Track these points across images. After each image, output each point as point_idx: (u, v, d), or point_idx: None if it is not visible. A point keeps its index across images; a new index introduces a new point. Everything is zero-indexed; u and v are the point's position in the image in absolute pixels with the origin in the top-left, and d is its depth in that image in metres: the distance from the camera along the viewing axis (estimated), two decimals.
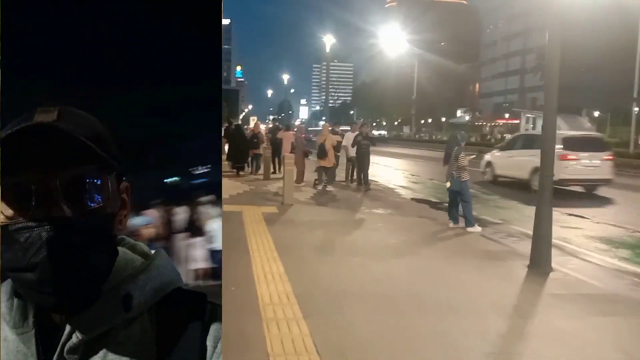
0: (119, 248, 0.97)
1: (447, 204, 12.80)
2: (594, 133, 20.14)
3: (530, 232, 9.10)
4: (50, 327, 0.89)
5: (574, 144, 13.37)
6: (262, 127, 23.99)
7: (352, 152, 13.66)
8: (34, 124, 0.84)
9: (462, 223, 8.83)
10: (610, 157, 13.64)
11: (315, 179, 13.51)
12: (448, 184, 8.89)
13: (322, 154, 12.90)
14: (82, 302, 0.88)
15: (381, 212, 10.33)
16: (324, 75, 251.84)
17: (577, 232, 9.12)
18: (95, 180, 0.88)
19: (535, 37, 79.11)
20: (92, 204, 0.88)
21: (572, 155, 13.08)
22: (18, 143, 0.83)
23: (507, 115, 77.95)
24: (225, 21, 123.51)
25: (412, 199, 12.84)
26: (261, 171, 16.57)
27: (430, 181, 18.54)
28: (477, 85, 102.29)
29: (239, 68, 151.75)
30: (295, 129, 18.39)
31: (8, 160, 0.83)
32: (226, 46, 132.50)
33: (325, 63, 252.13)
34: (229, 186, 13.22)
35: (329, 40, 21.05)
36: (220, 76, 14.83)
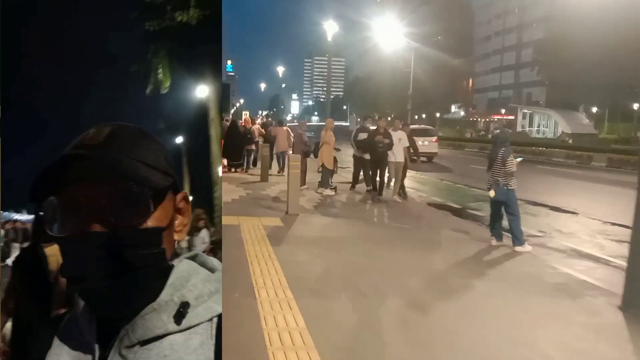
0: (185, 260, 1.01)
1: (471, 211, 11.50)
2: (428, 126, 31.16)
3: (583, 249, 7.73)
4: (111, 325, 0.92)
5: (417, 133, 19.46)
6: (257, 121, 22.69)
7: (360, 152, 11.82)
8: (78, 152, 0.91)
9: (505, 239, 7.31)
10: (435, 140, 24.36)
11: (319, 182, 11.93)
12: (492, 193, 7.31)
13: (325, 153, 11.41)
14: (131, 312, 0.91)
15: (402, 224, 8.76)
16: (316, 69, 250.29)
17: None
18: (141, 196, 0.91)
19: (530, 32, 78.23)
20: (139, 219, 0.91)
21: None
22: (69, 164, 0.89)
23: (503, 111, 76.85)
24: None
25: (429, 204, 11.31)
26: (256, 171, 15.27)
27: (442, 182, 17.10)
28: (471, 81, 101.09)
29: (229, 62, 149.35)
30: (287, 126, 17.25)
31: (62, 177, 0.89)
32: None
33: (318, 57, 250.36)
34: (223, 190, 11.60)
35: (331, 28, 19.24)
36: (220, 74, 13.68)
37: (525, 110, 71.22)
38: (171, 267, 0.97)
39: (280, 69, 38.95)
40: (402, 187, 11.52)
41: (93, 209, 0.88)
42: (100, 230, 0.88)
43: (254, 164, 17.13)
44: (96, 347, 0.93)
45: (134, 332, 0.91)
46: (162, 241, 0.95)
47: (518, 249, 7.06)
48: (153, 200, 0.93)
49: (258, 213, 8.83)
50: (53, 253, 3.00)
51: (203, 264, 1.02)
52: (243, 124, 18.48)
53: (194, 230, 9.13)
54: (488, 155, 7.64)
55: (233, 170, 16.33)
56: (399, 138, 11.13)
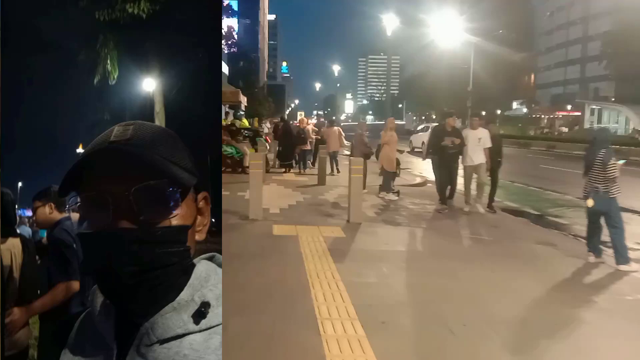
0: (205, 261, 1.03)
1: (553, 218, 10.33)
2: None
3: None
4: (130, 322, 0.93)
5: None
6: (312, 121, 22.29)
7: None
8: (106, 148, 0.92)
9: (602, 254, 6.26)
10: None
11: (380, 185, 11.08)
12: (590, 203, 6.25)
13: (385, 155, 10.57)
14: (153, 309, 0.92)
15: (478, 235, 7.80)
16: (370, 68, 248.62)
17: None
18: (168, 193, 0.92)
19: (597, 24, 74.03)
20: (165, 216, 0.92)
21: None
22: (95, 160, 0.91)
23: (569, 107, 73.09)
24: (271, 17, 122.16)
25: (503, 209, 10.22)
26: (310, 172, 14.84)
27: (512, 184, 15.82)
28: (533, 76, 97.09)
29: (284, 64, 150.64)
30: (338, 125, 17.06)
31: (88, 174, 0.91)
32: (272, 42, 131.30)
33: (372, 56, 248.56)
34: (278, 194, 10.94)
35: (390, 22, 18.31)
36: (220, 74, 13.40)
37: (594, 106, 67.53)
38: (193, 266, 0.99)
39: (336, 68, 38.31)
40: (490, 198, 9.82)
41: (120, 205, 0.89)
42: (128, 226, 0.90)
43: (312, 164, 16.84)
44: (114, 344, 0.94)
45: (154, 331, 0.91)
46: (188, 239, 0.97)
47: (622, 267, 5.99)
48: (180, 198, 0.95)
49: (317, 221, 8.08)
50: (6, 248, 2.90)
51: (220, 266, 1.05)
52: (297, 124, 18.17)
53: None
54: (584, 158, 6.55)
55: (284, 170, 16.08)
56: (479, 137, 9.49)
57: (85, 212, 0.93)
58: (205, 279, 0.98)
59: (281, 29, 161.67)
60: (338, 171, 15.39)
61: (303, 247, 6.52)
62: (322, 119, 26.80)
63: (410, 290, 5.01)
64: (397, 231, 7.76)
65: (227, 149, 15.41)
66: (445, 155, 9.55)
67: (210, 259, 1.05)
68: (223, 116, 24.14)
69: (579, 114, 70.07)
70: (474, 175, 9.58)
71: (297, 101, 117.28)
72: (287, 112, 75.69)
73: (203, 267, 1.00)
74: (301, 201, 10.17)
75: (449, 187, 9.83)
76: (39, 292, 3.21)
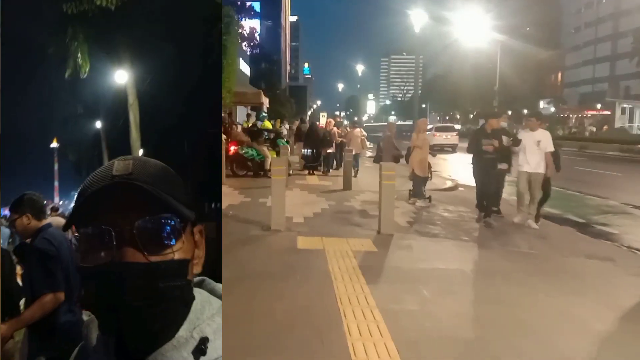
0: (197, 289, 1.02)
1: (601, 227, 9.43)
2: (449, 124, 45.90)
3: None
4: (129, 358, 0.92)
5: (442, 129, 35.21)
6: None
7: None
8: (112, 184, 0.92)
9: None
10: (455, 134, 34.22)
11: (410, 191, 10.35)
12: None
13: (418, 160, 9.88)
14: (154, 345, 0.92)
15: (523, 249, 7.04)
16: (392, 68, 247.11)
17: None
18: (170, 227, 0.93)
19: (628, 20, 71.87)
20: (168, 250, 0.93)
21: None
22: (100, 196, 0.91)
23: (599, 106, 71.01)
24: (293, 18, 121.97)
25: (544, 217, 9.40)
26: (335, 174, 14.41)
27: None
28: (560, 74, 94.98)
29: (306, 65, 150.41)
30: (360, 126, 17.00)
31: (91, 208, 0.91)
32: (294, 43, 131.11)
33: (395, 56, 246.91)
34: (302, 200, 10.29)
35: (418, 19, 17.54)
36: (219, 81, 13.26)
37: (625, 105, 65.37)
38: (193, 300, 0.99)
39: (359, 68, 37.68)
40: (538, 210, 8.63)
41: (124, 240, 0.90)
42: (132, 260, 0.89)
43: (337, 166, 16.58)
44: None
45: None
46: (189, 272, 0.97)
47: None
48: (181, 232, 0.96)
49: (345, 232, 7.38)
50: None
51: (212, 292, 1.05)
52: (322, 127, 17.72)
53: None
54: None
55: (308, 172, 15.68)
56: (538, 140, 8.27)
57: (86, 247, 0.92)
58: (201, 311, 0.98)
59: (303, 30, 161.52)
60: (356, 174, 15.01)
61: (331, 263, 5.85)
62: (339, 119, 26.46)
63: (459, 321, 4.29)
64: (434, 244, 7.02)
65: (249, 151, 14.88)
66: (482, 160, 8.62)
67: (200, 284, 1.06)
68: (244, 117, 23.72)
69: (608, 113, 68.02)
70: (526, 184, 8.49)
71: (319, 102, 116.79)
72: (309, 113, 75.23)
73: (198, 299, 0.99)
74: (326, 208, 9.46)
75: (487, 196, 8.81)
76: (22, 302, 3.24)
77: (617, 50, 76.45)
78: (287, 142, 16.74)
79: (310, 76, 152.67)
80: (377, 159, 11.13)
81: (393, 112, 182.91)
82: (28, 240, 3.22)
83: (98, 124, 24.06)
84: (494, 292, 5.06)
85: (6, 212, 5.31)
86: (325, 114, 39.23)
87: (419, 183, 9.72)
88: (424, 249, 6.76)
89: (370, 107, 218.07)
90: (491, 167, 8.60)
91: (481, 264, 6.21)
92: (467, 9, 58.80)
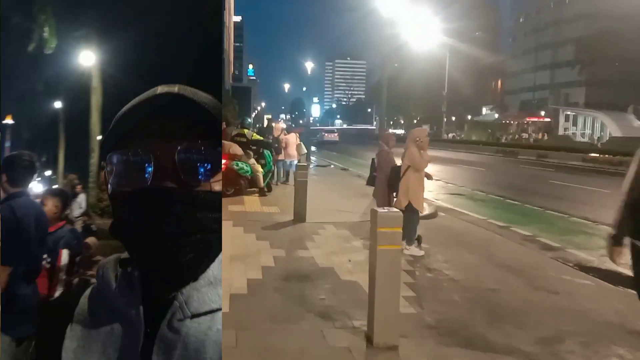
0: None
1: (585, 254, 7.01)
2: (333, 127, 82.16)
3: None
4: (156, 300, 0.87)
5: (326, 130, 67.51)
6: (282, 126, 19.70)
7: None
8: (154, 97, 0.86)
9: None
10: (336, 134, 58.85)
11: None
12: None
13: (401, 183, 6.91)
14: (187, 278, 0.87)
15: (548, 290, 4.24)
16: (337, 73, 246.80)
17: None
18: (213, 156, 0.88)
19: (569, 29, 72.86)
20: (209, 179, 0.87)
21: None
22: (140, 112, 0.85)
23: (542, 113, 71.51)
24: (237, 18, 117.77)
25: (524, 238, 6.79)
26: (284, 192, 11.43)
27: (487, 196, 13.52)
28: (500, 81, 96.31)
29: (250, 67, 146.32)
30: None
31: (130, 129, 0.86)
32: (238, 44, 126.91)
33: (339, 60, 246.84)
34: (234, 246, 7.13)
35: (385, 5, 15.13)
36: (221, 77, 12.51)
37: (568, 112, 65.98)
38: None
39: (309, 65, 35.02)
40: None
41: (164, 165, 0.85)
42: (172, 186, 0.84)
43: (278, 179, 15.12)
44: (142, 319, 0.87)
45: (189, 305, 0.86)
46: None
47: None
48: (221, 162, 0.90)
49: (309, 338, 4.14)
50: None
51: None
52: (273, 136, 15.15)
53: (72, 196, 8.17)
54: None
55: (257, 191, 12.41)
56: None
57: (122, 170, 0.86)
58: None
59: (248, 30, 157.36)
60: (287, 179, 14.38)
61: None
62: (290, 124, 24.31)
63: None
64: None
65: (243, 167, 12.00)
66: None
67: None
68: None
69: (549, 120, 68.55)
70: None
71: (263, 104, 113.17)
72: (253, 115, 71.69)
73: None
74: (270, 268, 5.92)
75: None
76: None
77: (558, 58, 77.50)
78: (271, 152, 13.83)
79: (254, 78, 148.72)
80: (370, 181, 8.13)
81: (338, 116, 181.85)
82: None
83: (58, 104, 23.58)
84: None
85: None
86: (270, 116, 36.31)
87: (410, 220, 6.67)
88: None
89: (315, 110, 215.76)
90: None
91: None
92: (416, 11, 57.20)
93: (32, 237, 3.03)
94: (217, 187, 0.88)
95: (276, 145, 14.45)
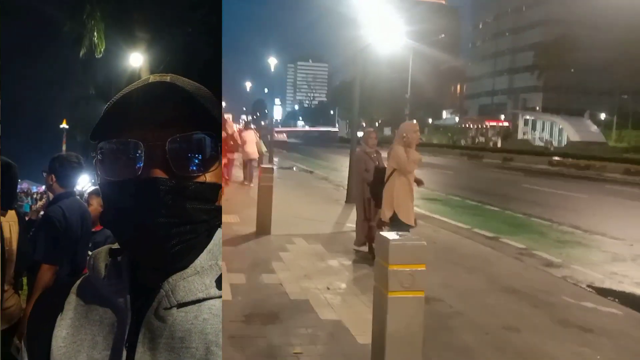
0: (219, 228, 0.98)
1: (585, 268, 5.97)
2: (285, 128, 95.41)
3: None
4: (144, 288, 0.87)
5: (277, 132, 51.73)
6: (235, 126, 19.74)
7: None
8: (146, 85, 0.85)
9: None
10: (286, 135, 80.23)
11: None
12: None
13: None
14: (174, 268, 0.87)
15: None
16: (299, 74, 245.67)
17: None
18: (205, 147, 0.86)
19: (527, 35, 74.00)
20: (200, 171, 0.86)
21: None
22: (131, 99, 0.84)
23: (502, 117, 72.21)
24: None
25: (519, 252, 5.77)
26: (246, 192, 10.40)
27: (464, 201, 12.68)
28: (459, 86, 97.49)
29: None
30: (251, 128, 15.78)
31: (124, 117, 0.85)
32: None
33: (301, 62, 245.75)
34: None
35: (349, 6, 14.35)
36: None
37: (528, 117, 66.71)
38: (218, 227, 0.93)
39: (272, 61, 33.59)
40: None
41: (154, 155, 0.84)
42: (161, 176, 0.83)
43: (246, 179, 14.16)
44: (129, 307, 0.87)
45: (175, 294, 0.85)
46: (218, 199, 0.91)
47: None
48: (217, 153, 0.89)
49: None
50: (6, 220, 2.63)
51: None
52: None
53: None
54: None
55: None
56: None
57: (111, 159, 0.86)
58: (220, 244, 0.92)
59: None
60: (251, 180, 13.52)
61: None
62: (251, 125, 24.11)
63: None
64: None
65: None
66: None
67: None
68: None
69: (507, 124, 69.22)
70: None
71: (224, 104, 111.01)
72: None
73: (219, 234, 0.93)
74: (227, 304, 4.47)
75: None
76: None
77: (516, 63, 78.71)
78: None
79: None
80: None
81: (300, 118, 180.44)
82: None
83: None
84: None
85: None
86: (230, 116, 34.73)
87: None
88: None
89: (277, 112, 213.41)
90: None
91: None
92: (380, 13, 56.53)
93: (78, 237, 3.07)
94: (213, 178, 0.88)
95: (231, 142, 13.63)
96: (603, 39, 60.44)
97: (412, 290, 2.41)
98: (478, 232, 8.89)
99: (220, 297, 0.87)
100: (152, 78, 0.86)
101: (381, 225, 6.29)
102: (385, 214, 5.75)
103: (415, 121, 6.84)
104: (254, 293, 4.75)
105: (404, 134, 5.72)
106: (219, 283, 0.88)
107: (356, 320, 4.09)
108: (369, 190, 6.30)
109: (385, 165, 6.15)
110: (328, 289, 4.92)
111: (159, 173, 0.82)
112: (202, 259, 0.88)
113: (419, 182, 5.94)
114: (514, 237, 8.56)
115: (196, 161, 0.84)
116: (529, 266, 6.69)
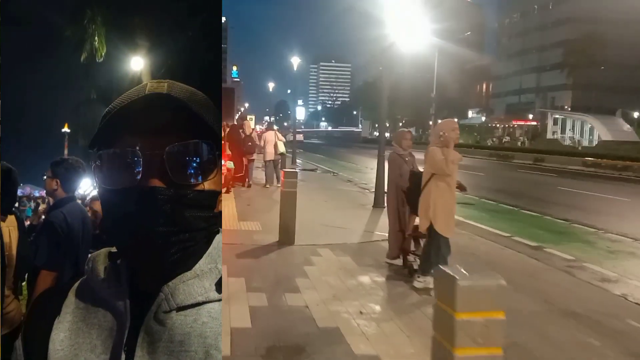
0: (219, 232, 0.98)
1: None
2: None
3: None
4: (143, 293, 0.87)
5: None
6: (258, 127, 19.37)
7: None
8: (144, 97, 0.85)
9: None
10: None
11: (418, 264, 5.58)
12: None
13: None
14: (173, 273, 0.86)
15: None
16: (322, 74, 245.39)
17: None
18: (203, 155, 0.86)
19: (555, 33, 72.19)
20: (198, 180, 0.86)
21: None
22: (129, 110, 0.84)
23: (530, 116, 70.52)
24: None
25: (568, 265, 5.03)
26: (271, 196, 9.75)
27: (499, 205, 11.60)
28: (485, 85, 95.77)
29: (235, 68, 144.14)
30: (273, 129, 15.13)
31: (119, 127, 0.85)
32: (222, 45, 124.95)
33: (324, 63, 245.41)
34: None
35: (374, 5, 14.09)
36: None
37: (557, 116, 65.00)
38: (217, 233, 0.93)
39: (295, 61, 33.08)
40: None
41: (153, 164, 0.83)
42: (159, 185, 0.83)
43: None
44: (128, 311, 0.86)
45: (174, 297, 0.85)
46: (217, 205, 0.91)
47: None
48: (215, 162, 0.88)
49: None
50: (6, 225, 2.64)
51: None
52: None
53: None
54: None
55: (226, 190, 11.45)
56: None
57: (110, 168, 0.85)
58: (219, 248, 0.92)
59: (232, 32, 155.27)
60: (271, 183, 13.55)
61: None
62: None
63: None
64: None
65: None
66: None
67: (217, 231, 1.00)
68: None
69: (535, 123, 67.55)
70: None
71: (247, 104, 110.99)
72: (236, 117, 69.75)
73: (219, 239, 0.92)
74: (244, 332, 3.85)
75: None
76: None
77: (545, 61, 76.87)
78: None
79: (238, 79, 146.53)
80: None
81: (323, 119, 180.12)
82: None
83: None
84: None
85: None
86: (253, 117, 34.44)
87: (432, 246, 4.79)
88: None
89: (300, 112, 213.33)
90: None
91: None
92: (404, 11, 55.69)
93: (79, 242, 3.05)
94: (212, 186, 0.87)
95: (249, 144, 13.38)
96: (633, 35, 58.65)
97: (486, 347, 1.79)
98: (519, 241, 8.18)
99: (220, 300, 0.87)
100: (150, 85, 0.86)
101: (417, 235, 5.67)
102: (422, 224, 5.13)
103: (456, 119, 6.20)
104: (277, 318, 4.15)
105: (442, 133, 5.08)
106: (218, 286, 0.87)
107: (397, 356, 3.47)
108: (404, 198, 5.66)
109: (421, 170, 5.51)
110: (361, 313, 4.28)
111: (157, 182, 0.82)
112: (202, 263, 0.88)
113: (461, 188, 5.29)
114: (558, 247, 7.82)
115: (194, 169, 0.84)
116: (582, 282, 5.97)
